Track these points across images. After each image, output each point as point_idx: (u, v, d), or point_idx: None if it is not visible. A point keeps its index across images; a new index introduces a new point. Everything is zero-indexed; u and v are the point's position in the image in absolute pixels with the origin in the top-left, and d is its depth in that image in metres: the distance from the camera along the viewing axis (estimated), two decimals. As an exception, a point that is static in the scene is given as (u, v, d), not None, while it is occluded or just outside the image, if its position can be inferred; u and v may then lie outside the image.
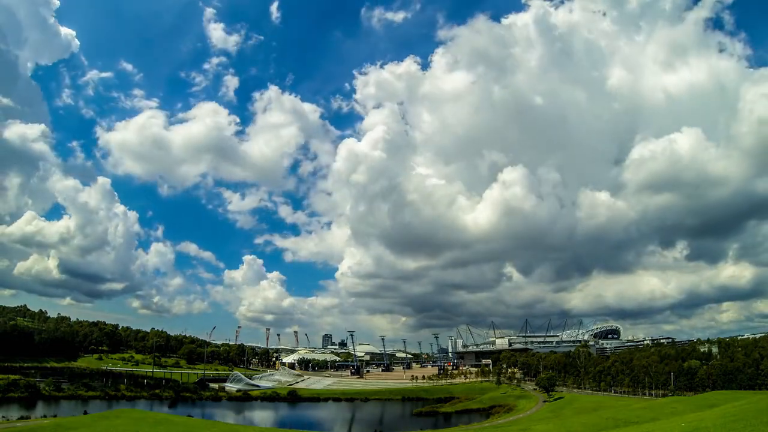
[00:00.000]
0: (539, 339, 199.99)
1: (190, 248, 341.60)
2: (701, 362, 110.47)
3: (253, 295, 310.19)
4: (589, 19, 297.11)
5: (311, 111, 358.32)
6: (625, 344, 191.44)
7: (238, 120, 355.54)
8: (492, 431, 63.61)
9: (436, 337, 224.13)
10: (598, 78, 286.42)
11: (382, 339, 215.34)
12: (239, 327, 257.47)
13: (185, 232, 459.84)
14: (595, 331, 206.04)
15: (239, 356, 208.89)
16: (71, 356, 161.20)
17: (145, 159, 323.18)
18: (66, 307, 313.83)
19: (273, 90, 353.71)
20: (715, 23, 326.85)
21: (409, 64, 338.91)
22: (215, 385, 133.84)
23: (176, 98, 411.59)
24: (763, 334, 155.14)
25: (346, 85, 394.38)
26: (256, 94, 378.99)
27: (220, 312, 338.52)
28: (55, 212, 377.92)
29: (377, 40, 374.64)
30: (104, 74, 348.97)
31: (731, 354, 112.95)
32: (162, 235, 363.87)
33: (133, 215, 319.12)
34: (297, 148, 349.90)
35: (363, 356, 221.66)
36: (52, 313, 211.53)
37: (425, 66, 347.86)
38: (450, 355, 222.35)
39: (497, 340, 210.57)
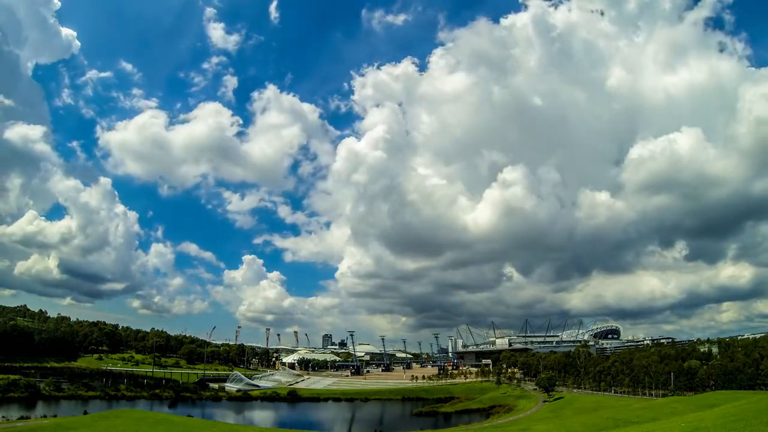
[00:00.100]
0: (539, 339, 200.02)
1: (191, 248, 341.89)
2: (701, 362, 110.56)
3: (253, 295, 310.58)
4: (588, 19, 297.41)
5: (311, 111, 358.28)
6: (625, 344, 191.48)
7: (239, 120, 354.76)
8: (492, 431, 63.62)
9: (436, 337, 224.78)
10: (598, 78, 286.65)
11: (382, 339, 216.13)
12: (239, 327, 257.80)
13: (185, 232, 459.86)
14: (595, 331, 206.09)
15: (239, 356, 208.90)
16: (71, 356, 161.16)
17: (146, 159, 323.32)
18: (66, 307, 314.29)
19: (273, 90, 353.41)
20: (716, 23, 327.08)
21: (409, 65, 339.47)
22: (215, 385, 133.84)
23: (176, 98, 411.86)
24: (763, 334, 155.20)
25: (346, 85, 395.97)
26: (256, 94, 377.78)
27: (220, 312, 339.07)
28: (56, 212, 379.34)
29: (377, 41, 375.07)
30: (104, 74, 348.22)
31: (731, 354, 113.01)
32: (162, 235, 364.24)
33: (133, 215, 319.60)
34: (297, 148, 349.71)
35: (363, 356, 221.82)
36: (52, 313, 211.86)
37: (425, 67, 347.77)
38: (450, 355, 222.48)
39: (497, 340, 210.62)
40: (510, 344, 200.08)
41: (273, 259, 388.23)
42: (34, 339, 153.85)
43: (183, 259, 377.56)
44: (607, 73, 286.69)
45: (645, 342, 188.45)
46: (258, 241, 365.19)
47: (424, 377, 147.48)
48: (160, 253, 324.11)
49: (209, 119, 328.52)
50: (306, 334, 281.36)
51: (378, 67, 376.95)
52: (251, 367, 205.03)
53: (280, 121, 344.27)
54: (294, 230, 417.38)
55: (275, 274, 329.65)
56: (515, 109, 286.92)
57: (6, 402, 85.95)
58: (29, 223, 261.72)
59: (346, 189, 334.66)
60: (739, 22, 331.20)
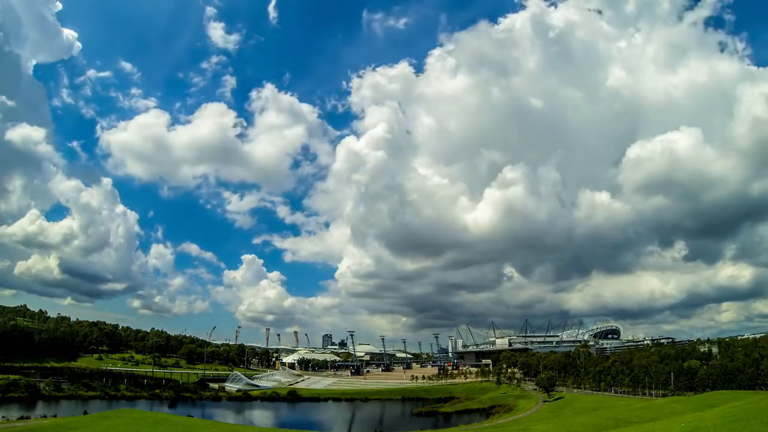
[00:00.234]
0: (539, 339, 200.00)
1: (191, 248, 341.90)
2: (701, 362, 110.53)
3: (253, 295, 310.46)
4: (587, 19, 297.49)
5: (310, 111, 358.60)
6: (625, 344, 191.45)
7: (243, 122, 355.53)
8: (492, 431, 63.61)
9: (436, 337, 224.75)
10: (597, 78, 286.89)
11: (382, 339, 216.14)
12: (239, 327, 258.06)
13: (186, 233, 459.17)
14: (595, 331, 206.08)
15: (239, 356, 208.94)
16: (71, 356, 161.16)
17: (147, 160, 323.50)
18: (66, 307, 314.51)
19: (273, 90, 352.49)
20: (716, 22, 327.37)
21: (409, 66, 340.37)
22: (215, 385, 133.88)
23: (176, 98, 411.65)
24: (763, 334, 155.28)
25: (346, 85, 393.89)
26: (256, 94, 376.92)
27: (221, 312, 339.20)
28: (57, 213, 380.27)
29: (377, 42, 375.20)
30: (104, 74, 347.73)
31: (731, 354, 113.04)
32: (163, 235, 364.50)
33: (133, 215, 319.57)
34: (297, 148, 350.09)
35: (363, 356, 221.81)
36: (52, 313, 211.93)
37: (425, 68, 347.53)
38: (450, 355, 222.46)
39: (497, 340, 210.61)
40: (510, 344, 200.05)
41: (273, 259, 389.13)
42: (34, 339, 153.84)
43: (183, 259, 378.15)
44: (607, 73, 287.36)
45: (645, 342, 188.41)
46: (258, 241, 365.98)
47: (424, 377, 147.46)
48: (160, 254, 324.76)
49: (211, 120, 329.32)
50: (306, 334, 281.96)
51: (378, 68, 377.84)
52: (251, 367, 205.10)
53: (280, 122, 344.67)
54: (294, 230, 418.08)
55: (275, 274, 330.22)
56: (515, 109, 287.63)
57: (6, 402, 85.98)
58: (31, 223, 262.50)
59: (346, 189, 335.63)
60: (740, 22, 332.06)
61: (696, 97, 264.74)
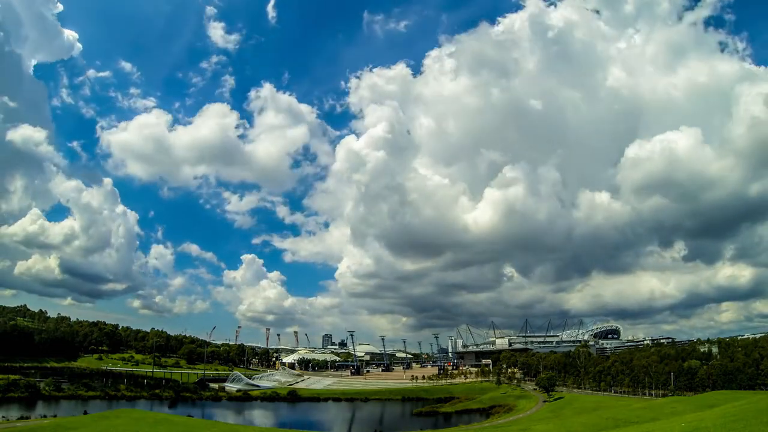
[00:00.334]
0: (539, 339, 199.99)
1: (191, 248, 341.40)
2: (701, 362, 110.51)
3: (253, 295, 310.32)
4: (586, 19, 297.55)
5: (310, 111, 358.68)
6: (625, 344, 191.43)
7: (242, 121, 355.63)
8: (492, 431, 63.63)
9: (436, 337, 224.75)
10: (597, 78, 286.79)
11: (382, 339, 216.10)
12: (239, 327, 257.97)
13: (186, 233, 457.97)
14: (595, 331, 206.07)
15: (239, 356, 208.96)
16: (71, 356, 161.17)
17: (147, 160, 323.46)
18: (66, 307, 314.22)
19: (272, 90, 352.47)
20: (716, 22, 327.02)
21: (409, 66, 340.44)
22: (215, 385, 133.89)
23: (176, 98, 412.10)
24: (763, 334, 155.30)
25: (346, 86, 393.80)
26: (256, 94, 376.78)
27: (221, 312, 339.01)
28: (58, 213, 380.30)
29: (377, 43, 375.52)
30: (104, 73, 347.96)
31: (731, 354, 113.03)
32: (163, 235, 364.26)
33: (134, 216, 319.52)
34: (297, 148, 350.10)
35: (363, 356, 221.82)
36: (52, 313, 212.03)
37: (425, 69, 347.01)
38: (450, 355, 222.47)
39: (497, 340, 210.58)
40: (510, 344, 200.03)
41: (273, 260, 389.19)
42: (34, 339, 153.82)
43: (183, 260, 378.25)
44: (606, 73, 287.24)
45: (645, 342, 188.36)
46: (258, 241, 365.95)
47: (424, 377, 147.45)
48: (160, 254, 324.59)
49: (213, 120, 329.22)
50: (306, 334, 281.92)
51: (378, 69, 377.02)
52: (251, 367, 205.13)
53: (279, 122, 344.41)
54: (294, 230, 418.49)
55: (275, 274, 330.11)
56: (514, 109, 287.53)
57: (6, 402, 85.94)
58: (32, 223, 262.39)
59: (346, 189, 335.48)
60: (740, 22, 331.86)
61: (695, 97, 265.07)
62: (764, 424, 20.56)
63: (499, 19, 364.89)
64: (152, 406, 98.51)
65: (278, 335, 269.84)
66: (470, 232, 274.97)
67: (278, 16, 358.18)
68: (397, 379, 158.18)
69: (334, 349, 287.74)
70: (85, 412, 70.51)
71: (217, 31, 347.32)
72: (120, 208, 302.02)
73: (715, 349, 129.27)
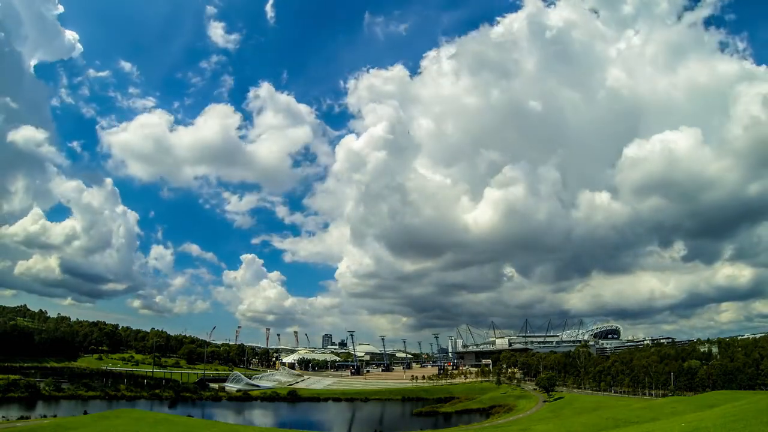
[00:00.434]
0: (539, 339, 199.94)
1: (192, 248, 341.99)
2: (701, 362, 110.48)
3: (253, 295, 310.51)
4: (585, 19, 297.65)
5: (310, 111, 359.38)
6: (625, 344, 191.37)
7: (243, 122, 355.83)
8: (492, 431, 63.62)
9: (436, 337, 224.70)
10: (596, 79, 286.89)
11: (382, 339, 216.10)
12: (239, 327, 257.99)
13: (187, 233, 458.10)
14: (595, 331, 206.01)
15: (239, 356, 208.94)
16: (71, 356, 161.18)
17: (148, 160, 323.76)
18: (66, 307, 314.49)
19: (271, 90, 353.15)
20: (715, 22, 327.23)
21: (409, 67, 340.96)
22: (215, 385, 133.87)
23: (176, 97, 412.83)
24: (763, 334, 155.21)
25: (345, 86, 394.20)
26: (256, 94, 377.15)
27: (221, 312, 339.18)
28: (59, 213, 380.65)
29: (377, 43, 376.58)
30: (103, 73, 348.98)
31: (731, 354, 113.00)
32: (164, 235, 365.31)
33: (135, 216, 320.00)
34: (298, 148, 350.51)
35: (363, 356, 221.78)
36: (52, 313, 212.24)
37: (424, 69, 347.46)
38: (450, 355, 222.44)
39: (497, 340, 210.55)
40: (510, 344, 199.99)
41: (273, 260, 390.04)
42: (34, 339, 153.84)
43: (184, 260, 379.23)
44: (605, 73, 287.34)
45: (645, 342, 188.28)
46: (259, 241, 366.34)
47: (424, 377, 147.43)
48: (161, 254, 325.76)
49: (214, 121, 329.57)
50: (306, 334, 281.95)
51: (379, 69, 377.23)
52: (251, 367, 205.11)
53: (279, 122, 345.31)
54: (294, 230, 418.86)
55: (275, 274, 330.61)
56: (514, 110, 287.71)
57: (6, 402, 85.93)
58: (33, 223, 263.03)
59: (347, 189, 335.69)
60: (739, 22, 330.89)
61: (695, 97, 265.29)
62: (764, 424, 20.55)
63: (499, 19, 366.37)
64: (152, 406, 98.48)
65: (278, 335, 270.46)
66: (470, 232, 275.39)
67: (277, 16, 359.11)
68: (397, 379, 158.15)
69: (334, 349, 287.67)
70: (85, 412, 70.51)
71: (216, 31, 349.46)
72: (120, 208, 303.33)
73: (715, 349, 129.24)
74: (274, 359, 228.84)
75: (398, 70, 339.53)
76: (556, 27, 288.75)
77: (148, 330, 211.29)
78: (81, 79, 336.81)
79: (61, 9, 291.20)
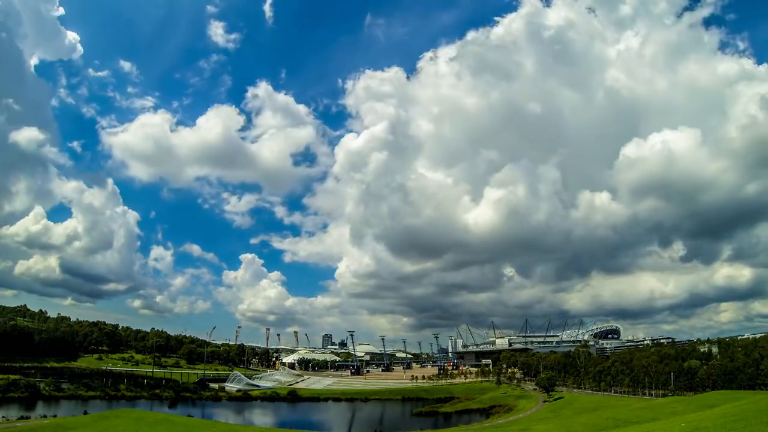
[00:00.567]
0: (539, 339, 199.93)
1: (192, 249, 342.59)
2: (701, 362, 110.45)
3: (253, 295, 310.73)
4: (584, 19, 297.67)
5: (309, 111, 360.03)
6: (625, 344, 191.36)
7: (244, 122, 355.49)
8: (492, 431, 63.61)
9: (436, 337, 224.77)
10: (596, 79, 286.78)
11: (382, 339, 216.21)
12: (239, 327, 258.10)
13: (187, 233, 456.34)
14: (595, 331, 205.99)
15: (239, 356, 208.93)
16: (71, 356, 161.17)
17: (149, 161, 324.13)
18: (67, 307, 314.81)
19: (272, 91, 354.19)
20: (715, 22, 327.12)
21: (409, 68, 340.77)
22: (215, 385, 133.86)
23: (176, 97, 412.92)
24: (763, 334, 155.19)
25: (344, 86, 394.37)
26: (256, 94, 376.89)
27: (221, 312, 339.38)
28: (59, 213, 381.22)
29: (377, 44, 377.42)
30: (102, 73, 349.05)
31: (731, 354, 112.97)
32: (164, 235, 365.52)
33: (135, 216, 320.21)
34: (300, 148, 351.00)
35: (363, 356, 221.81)
36: (52, 313, 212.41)
37: (425, 70, 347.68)
38: (450, 355, 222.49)
39: (497, 340, 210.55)
40: (510, 344, 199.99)
41: (273, 260, 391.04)
42: (34, 339, 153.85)
43: (184, 260, 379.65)
44: (605, 73, 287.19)
45: (645, 342, 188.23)
46: (259, 241, 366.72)
47: (424, 377, 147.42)
48: (162, 254, 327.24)
49: (216, 122, 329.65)
50: (306, 334, 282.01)
51: (378, 69, 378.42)
52: (251, 367, 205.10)
53: (278, 122, 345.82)
54: (293, 230, 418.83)
55: (276, 274, 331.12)
56: (515, 111, 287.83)
57: (6, 402, 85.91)
58: (35, 223, 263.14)
59: (346, 188, 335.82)
60: (739, 21, 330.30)
61: (694, 97, 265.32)
62: (764, 424, 20.54)
63: (497, 19, 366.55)
64: (152, 406, 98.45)
65: (278, 335, 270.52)
66: (470, 232, 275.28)
67: (275, 16, 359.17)
68: (397, 379, 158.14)
69: (334, 349, 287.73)
70: (85, 412, 70.48)
71: (216, 30, 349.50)
72: (121, 208, 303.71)
73: (715, 349, 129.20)
74: (274, 359, 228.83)
75: (400, 70, 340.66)
76: (554, 27, 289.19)
77: (148, 330, 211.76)
78: (80, 79, 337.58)
79: (61, 11, 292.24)
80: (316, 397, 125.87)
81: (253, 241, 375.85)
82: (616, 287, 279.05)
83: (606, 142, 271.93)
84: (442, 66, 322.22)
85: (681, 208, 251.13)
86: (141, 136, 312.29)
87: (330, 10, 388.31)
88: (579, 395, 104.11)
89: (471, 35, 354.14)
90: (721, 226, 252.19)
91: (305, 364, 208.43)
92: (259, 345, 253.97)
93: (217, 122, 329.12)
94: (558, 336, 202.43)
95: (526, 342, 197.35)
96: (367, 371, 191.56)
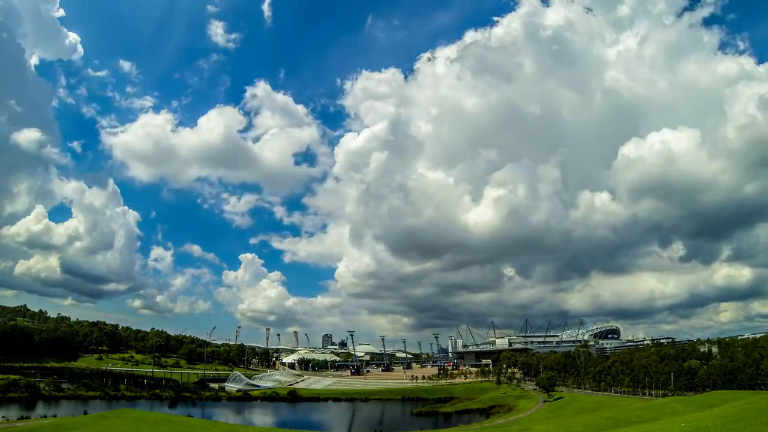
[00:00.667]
0: (539, 339, 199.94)
1: (193, 249, 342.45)
2: (701, 362, 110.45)
3: (253, 295, 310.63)
4: (584, 19, 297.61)
5: (309, 111, 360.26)
6: (625, 344, 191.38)
7: (244, 122, 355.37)
8: (492, 431, 63.61)
9: (436, 337, 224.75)
10: (595, 79, 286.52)
11: (382, 339, 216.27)
12: (239, 327, 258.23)
13: (187, 233, 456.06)
14: (595, 331, 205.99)
15: (239, 356, 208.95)
16: (71, 356, 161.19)
17: (149, 161, 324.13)
18: (67, 308, 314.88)
19: (271, 91, 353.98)
20: (715, 21, 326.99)
21: (410, 67, 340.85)
22: (215, 385, 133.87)
23: (175, 97, 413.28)
24: (763, 334, 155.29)
25: (343, 86, 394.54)
26: (255, 94, 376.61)
27: (221, 312, 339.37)
28: (60, 214, 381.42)
29: (376, 45, 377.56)
30: (102, 73, 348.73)
31: (731, 354, 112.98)
32: (165, 236, 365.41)
33: (136, 216, 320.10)
34: (300, 148, 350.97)
35: (363, 356, 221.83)
36: (53, 313, 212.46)
37: (425, 70, 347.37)
38: (450, 355, 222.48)
39: (497, 340, 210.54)
40: (510, 344, 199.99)
41: (273, 260, 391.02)
42: (34, 339, 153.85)
43: (184, 260, 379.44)
44: (606, 73, 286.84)
45: (645, 342, 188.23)
46: (257, 241, 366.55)
47: (424, 377, 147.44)
48: (162, 254, 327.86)
49: (217, 122, 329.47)
50: (306, 334, 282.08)
51: (378, 69, 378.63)
52: (251, 367, 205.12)
53: (278, 122, 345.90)
54: (293, 230, 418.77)
55: (276, 274, 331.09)
56: (514, 110, 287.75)
57: (6, 402, 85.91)
58: (36, 223, 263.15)
59: (346, 188, 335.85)
60: (740, 21, 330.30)
61: (693, 97, 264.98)
62: (764, 424, 20.55)
63: (497, 19, 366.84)
64: (152, 406, 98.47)
65: (278, 335, 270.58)
66: (470, 232, 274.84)
67: (274, 15, 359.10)
68: (397, 379, 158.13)
69: (334, 349, 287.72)
70: (85, 412, 70.48)
71: (216, 30, 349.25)
72: (121, 208, 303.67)
73: (715, 349, 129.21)
74: (274, 359, 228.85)
75: (399, 71, 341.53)
76: (553, 27, 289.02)
77: (148, 330, 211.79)
78: (80, 79, 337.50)
79: (62, 12, 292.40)
80: (316, 397, 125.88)
81: (253, 241, 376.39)
82: (615, 287, 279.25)
83: (605, 142, 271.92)
84: (441, 66, 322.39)
85: (680, 208, 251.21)
86: (141, 136, 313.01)
87: (329, 10, 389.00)
88: (579, 395, 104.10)
89: (470, 35, 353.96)
90: (721, 226, 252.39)
91: (305, 364, 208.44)
92: (259, 345, 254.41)
93: (218, 122, 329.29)
94: (558, 336, 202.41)
95: (526, 342, 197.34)
96: (367, 371, 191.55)
